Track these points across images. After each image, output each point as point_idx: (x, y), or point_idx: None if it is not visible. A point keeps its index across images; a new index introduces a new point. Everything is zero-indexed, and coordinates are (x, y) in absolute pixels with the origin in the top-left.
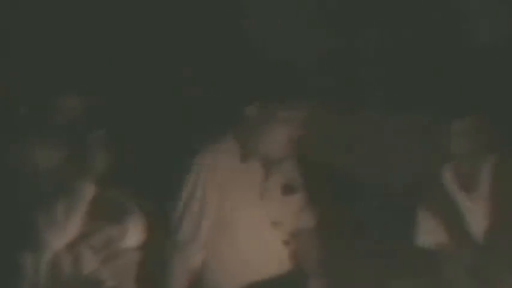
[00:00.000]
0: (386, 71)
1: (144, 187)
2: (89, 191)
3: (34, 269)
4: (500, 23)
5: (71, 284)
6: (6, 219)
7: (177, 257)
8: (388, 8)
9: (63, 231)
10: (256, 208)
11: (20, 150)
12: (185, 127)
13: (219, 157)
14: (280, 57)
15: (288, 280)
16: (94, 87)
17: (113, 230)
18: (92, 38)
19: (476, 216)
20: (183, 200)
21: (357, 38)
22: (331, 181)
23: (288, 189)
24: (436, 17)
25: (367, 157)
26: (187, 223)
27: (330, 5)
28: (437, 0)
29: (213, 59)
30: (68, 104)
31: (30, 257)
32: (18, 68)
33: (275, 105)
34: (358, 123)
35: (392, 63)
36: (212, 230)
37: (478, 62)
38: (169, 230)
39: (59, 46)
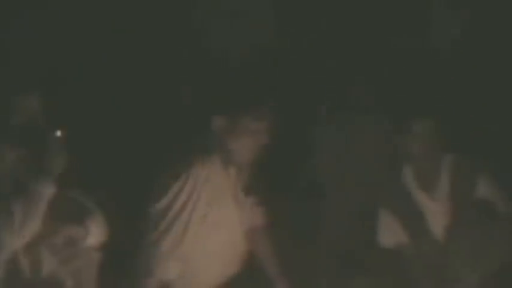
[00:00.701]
0: (347, 74)
1: (106, 187)
2: (48, 190)
3: None
4: (456, 28)
5: (30, 284)
6: None
7: (157, 268)
8: (347, 14)
9: (22, 232)
10: (233, 214)
11: None
12: (155, 130)
13: (206, 169)
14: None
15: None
16: (53, 87)
17: (73, 230)
18: (51, 38)
19: (436, 215)
20: (170, 213)
21: (316, 42)
22: (292, 181)
23: (248, 190)
24: (396, 20)
25: (328, 157)
26: (171, 238)
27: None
28: (401, 6)
29: (177, 69)
30: (27, 103)
31: None
32: None
33: (242, 116)
34: (318, 124)
35: (353, 66)
36: (191, 242)
37: (435, 66)
38: (151, 241)
39: (17, 45)
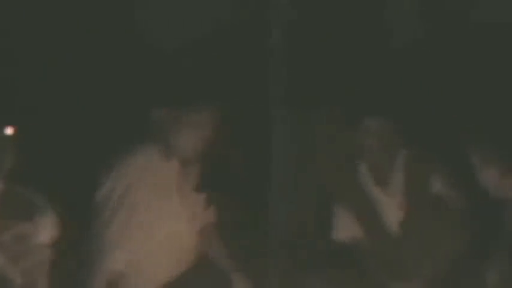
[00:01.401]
0: (300, 70)
1: (55, 184)
2: None
3: None
4: (414, 27)
5: None
6: None
7: (102, 260)
8: (308, 11)
9: None
10: (176, 207)
11: None
12: (100, 127)
13: (145, 159)
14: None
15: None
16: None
17: (23, 227)
18: None
19: (390, 209)
20: (111, 203)
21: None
22: (245, 177)
23: (198, 188)
24: (353, 17)
25: (279, 154)
26: (115, 226)
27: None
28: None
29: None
30: None
31: None
32: None
33: (184, 109)
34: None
35: (310, 63)
36: (136, 231)
37: (393, 65)
38: (95, 233)
39: None
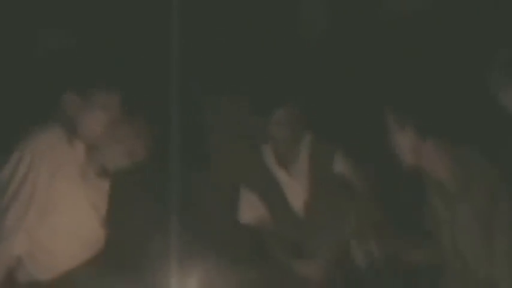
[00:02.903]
0: (204, 57)
1: None
2: None
3: None
4: (323, 17)
5: None
6: None
7: (3, 241)
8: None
9: None
10: (78, 191)
11: None
12: (2, 108)
13: (46, 141)
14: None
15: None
16: None
17: None
18: None
19: (295, 191)
20: (11, 187)
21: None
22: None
23: (103, 174)
24: (260, 5)
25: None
26: (15, 210)
27: None
28: None
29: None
30: None
31: None
32: None
33: (91, 91)
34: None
35: (220, 50)
36: (36, 216)
37: (301, 53)
38: None
39: None
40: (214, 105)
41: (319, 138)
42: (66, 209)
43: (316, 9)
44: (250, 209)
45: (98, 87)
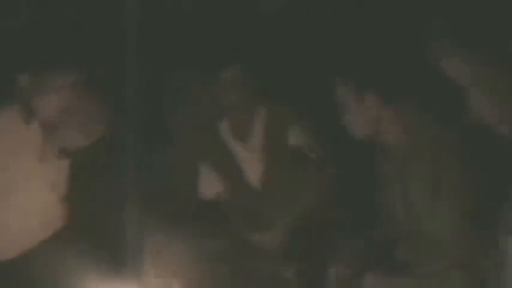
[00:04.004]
0: (157, 32)
1: None
2: None
3: None
4: None
5: None
6: None
7: None
8: None
9: None
10: (36, 171)
11: None
12: None
13: (2, 122)
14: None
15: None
16: None
17: None
18: None
19: (251, 164)
20: None
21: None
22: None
23: (62, 154)
24: None
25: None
26: None
27: None
28: None
29: None
30: None
31: None
32: None
33: (46, 74)
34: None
35: (162, 24)
36: None
37: (257, 24)
38: None
39: None
40: (172, 82)
41: (273, 111)
42: (25, 189)
43: None
44: (210, 184)
45: (54, 68)
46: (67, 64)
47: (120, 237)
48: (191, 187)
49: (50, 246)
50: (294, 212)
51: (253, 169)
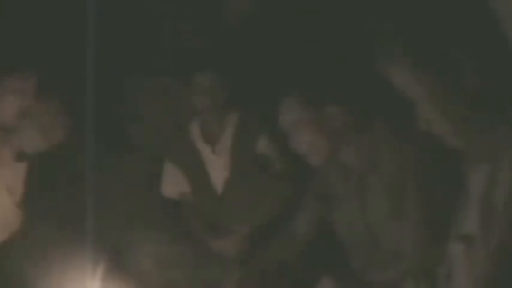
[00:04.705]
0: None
1: None
2: None
3: None
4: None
5: None
6: None
7: None
8: None
9: None
10: None
11: None
12: None
13: None
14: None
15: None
16: None
17: None
18: None
19: (217, 168)
20: None
21: None
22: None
23: (20, 158)
24: None
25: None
26: None
27: None
28: None
29: None
30: None
31: None
32: None
33: (4, 76)
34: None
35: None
36: None
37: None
38: None
39: None
40: (135, 82)
41: (244, 118)
42: None
43: None
44: (173, 183)
45: (10, 72)
46: (25, 67)
47: (78, 241)
48: (153, 189)
49: (5, 249)
50: (253, 219)
51: (217, 173)
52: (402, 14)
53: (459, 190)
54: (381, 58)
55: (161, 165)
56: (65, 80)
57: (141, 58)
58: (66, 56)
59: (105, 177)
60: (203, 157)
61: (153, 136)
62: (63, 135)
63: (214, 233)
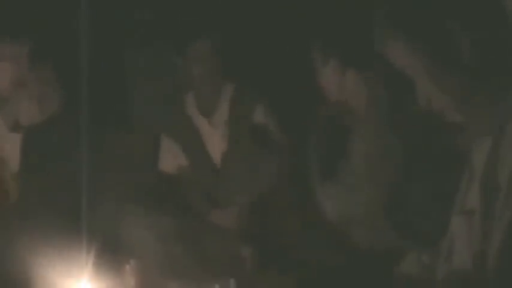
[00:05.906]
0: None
1: None
2: None
3: None
4: None
5: None
6: None
7: None
8: None
9: None
10: None
11: None
12: None
13: None
14: None
15: None
16: None
17: None
18: None
19: (214, 140)
20: None
21: None
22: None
23: (15, 126)
24: None
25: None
26: None
27: None
28: None
29: None
30: None
31: None
32: None
33: None
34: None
35: None
36: None
37: None
38: None
39: None
40: (130, 52)
41: (241, 88)
42: None
43: None
44: (171, 157)
45: (4, 38)
46: (19, 34)
47: (73, 214)
48: (150, 162)
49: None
50: (252, 191)
51: (215, 145)
52: None
53: (464, 165)
54: (378, 33)
55: (160, 136)
56: (59, 50)
57: (137, 27)
58: (60, 24)
59: (101, 150)
60: (200, 130)
61: (149, 109)
62: (59, 106)
63: (212, 204)
